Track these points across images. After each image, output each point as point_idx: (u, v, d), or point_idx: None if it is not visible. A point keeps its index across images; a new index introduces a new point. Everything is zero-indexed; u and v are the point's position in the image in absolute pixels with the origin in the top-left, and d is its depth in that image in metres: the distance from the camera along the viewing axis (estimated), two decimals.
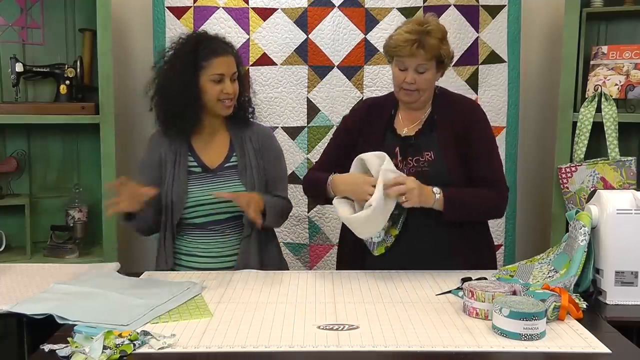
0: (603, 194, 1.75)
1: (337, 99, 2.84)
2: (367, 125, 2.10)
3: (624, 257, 1.70)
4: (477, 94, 2.85)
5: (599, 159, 2.67)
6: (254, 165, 2.10)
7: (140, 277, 1.95)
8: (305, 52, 2.82)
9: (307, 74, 2.84)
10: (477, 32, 2.83)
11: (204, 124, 2.10)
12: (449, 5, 2.78)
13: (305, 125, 2.86)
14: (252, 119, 2.22)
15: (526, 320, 1.39)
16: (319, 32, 2.82)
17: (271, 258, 2.16)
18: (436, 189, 1.91)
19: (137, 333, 1.40)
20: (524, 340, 1.39)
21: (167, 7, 2.80)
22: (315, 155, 2.82)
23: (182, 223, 2.08)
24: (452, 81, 2.79)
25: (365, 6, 2.81)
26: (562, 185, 2.71)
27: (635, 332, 1.57)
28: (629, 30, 2.83)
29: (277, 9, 2.81)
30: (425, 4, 2.80)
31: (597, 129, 2.66)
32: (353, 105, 2.75)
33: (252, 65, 2.82)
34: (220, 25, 2.79)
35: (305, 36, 2.82)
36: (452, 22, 2.78)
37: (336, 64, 2.84)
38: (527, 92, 3.01)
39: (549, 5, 2.99)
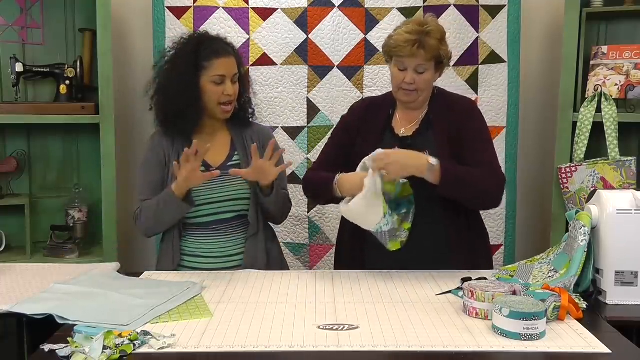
0: (603, 194, 1.75)
1: (337, 99, 2.84)
2: (366, 125, 2.11)
3: (624, 257, 1.70)
4: (477, 94, 2.85)
5: (599, 159, 2.67)
6: None
7: (140, 277, 1.96)
8: (305, 52, 2.82)
9: (307, 74, 2.84)
10: (477, 32, 2.83)
11: (205, 123, 2.10)
12: (449, 5, 2.78)
13: (305, 125, 2.86)
14: (252, 120, 2.22)
15: (526, 320, 1.39)
16: (319, 32, 2.82)
17: (274, 258, 2.16)
18: (433, 159, 1.88)
19: (137, 333, 1.40)
20: (524, 340, 1.39)
21: (167, 7, 2.80)
22: (315, 155, 2.81)
23: (186, 223, 2.08)
24: (452, 81, 2.79)
25: (365, 6, 2.81)
26: (562, 185, 2.71)
27: (635, 332, 1.57)
28: (629, 30, 2.83)
29: (277, 9, 2.82)
30: (425, 4, 2.80)
31: (597, 129, 2.66)
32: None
33: (252, 65, 2.82)
34: (220, 25, 2.79)
35: (305, 36, 2.82)
36: (452, 22, 2.78)
37: (336, 64, 2.84)
38: (527, 92, 3.01)
39: (549, 5, 2.99)
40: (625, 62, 2.69)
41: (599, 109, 2.67)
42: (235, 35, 2.78)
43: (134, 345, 1.36)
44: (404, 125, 2.09)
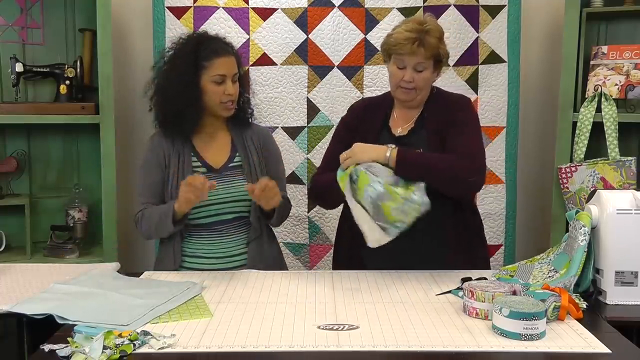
0: (603, 194, 1.75)
1: (337, 99, 2.84)
2: (364, 125, 2.11)
3: (624, 257, 1.70)
4: (477, 94, 2.85)
5: (599, 159, 2.67)
6: (258, 165, 2.10)
7: (140, 277, 1.95)
8: (305, 52, 2.82)
9: (307, 74, 2.84)
10: (477, 32, 2.83)
11: (205, 124, 2.09)
12: (449, 5, 2.78)
13: (305, 125, 2.86)
14: (251, 120, 2.22)
15: (526, 320, 1.39)
16: (319, 32, 2.82)
17: (273, 258, 2.16)
18: (391, 145, 1.92)
19: (137, 333, 1.40)
20: (524, 340, 1.39)
21: (167, 7, 2.80)
22: (315, 155, 2.82)
23: (187, 224, 2.06)
24: (452, 81, 2.79)
25: (365, 6, 2.81)
26: (562, 185, 2.71)
27: (635, 332, 1.57)
28: (629, 30, 2.83)
29: (277, 9, 2.82)
30: (425, 4, 2.80)
31: (597, 129, 2.66)
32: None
33: (252, 65, 2.82)
34: (220, 25, 2.79)
35: (305, 36, 2.82)
36: (452, 22, 2.78)
37: (336, 64, 2.84)
38: (527, 92, 3.01)
39: (549, 5, 2.99)
40: (625, 62, 2.69)
41: (599, 109, 2.67)
42: (235, 35, 2.78)
43: (134, 345, 1.36)
44: (400, 124, 2.09)
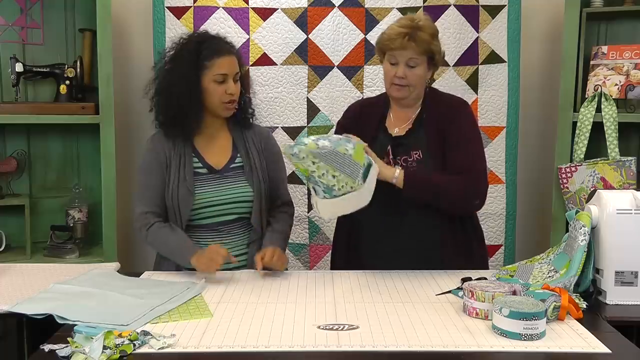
0: (603, 194, 1.75)
1: (337, 99, 2.84)
2: (360, 126, 2.10)
3: (624, 257, 1.70)
4: (477, 94, 2.85)
5: (599, 159, 2.67)
6: (259, 165, 2.10)
7: (140, 277, 1.95)
8: (305, 52, 2.82)
9: (307, 74, 2.84)
10: (477, 32, 2.83)
11: (205, 124, 2.07)
12: (449, 5, 2.78)
13: (305, 125, 2.86)
14: (252, 120, 2.20)
15: (526, 320, 1.39)
16: (319, 32, 2.82)
17: None
18: (399, 169, 1.92)
19: (137, 333, 1.40)
20: (524, 340, 1.39)
21: (167, 7, 2.80)
22: None
23: (189, 225, 2.05)
24: (452, 81, 2.80)
25: (365, 6, 2.81)
26: (562, 185, 2.71)
27: (635, 332, 1.57)
28: (629, 30, 2.83)
29: (277, 9, 2.82)
30: (425, 4, 2.80)
31: (597, 129, 2.66)
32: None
33: (252, 65, 2.82)
34: (220, 25, 2.79)
35: (305, 36, 2.82)
36: (452, 22, 2.78)
37: (336, 64, 2.84)
38: (527, 92, 3.01)
39: (549, 5, 2.99)
40: (625, 62, 2.69)
41: (599, 109, 2.66)
42: (235, 35, 2.78)
43: (134, 345, 1.36)
44: (397, 124, 2.09)
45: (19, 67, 2.66)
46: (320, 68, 2.84)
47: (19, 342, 1.65)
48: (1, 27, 2.78)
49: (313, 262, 2.90)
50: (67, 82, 2.71)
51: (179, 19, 2.80)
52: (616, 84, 2.68)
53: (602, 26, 2.86)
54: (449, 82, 2.78)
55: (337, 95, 2.84)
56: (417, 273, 1.94)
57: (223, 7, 2.80)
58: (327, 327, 1.48)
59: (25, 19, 2.80)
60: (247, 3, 2.81)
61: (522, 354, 1.35)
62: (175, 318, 1.56)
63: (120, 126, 2.83)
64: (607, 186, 2.61)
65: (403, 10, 2.79)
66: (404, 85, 2.00)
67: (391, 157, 2.02)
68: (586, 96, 2.72)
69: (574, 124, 2.69)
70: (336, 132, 2.19)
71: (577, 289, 1.72)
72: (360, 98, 2.80)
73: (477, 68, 2.84)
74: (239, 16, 2.82)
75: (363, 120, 2.12)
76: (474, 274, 1.88)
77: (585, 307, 1.63)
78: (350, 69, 2.84)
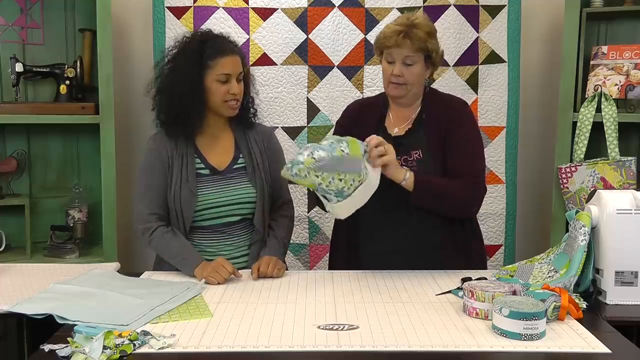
0: (603, 194, 1.75)
1: (337, 99, 2.84)
2: (359, 125, 2.09)
3: (624, 257, 1.70)
4: (477, 94, 2.85)
5: (599, 159, 2.67)
6: (262, 166, 2.09)
7: (140, 277, 1.95)
8: (305, 52, 2.82)
9: (307, 74, 2.84)
10: (477, 32, 2.83)
11: (208, 124, 2.06)
12: (449, 5, 2.78)
13: (305, 125, 2.86)
14: (254, 120, 2.18)
15: (526, 320, 1.39)
16: (319, 32, 2.82)
17: None
18: (409, 172, 1.91)
19: (137, 333, 1.40)
20: (524, 340, 1.39)
21: (167, 7, 2.80)
22: None
23: (191, 226, 2.04)
24: (452, 81, 2.80)
25: (365, 6, 2.81)
26: (562, 185, 2.71)
27: (635, 332, 1.57)
28: (629, 30, 2.83)
29: (277, 9, 2.82)
30: (425, 4, 2.80)
31: (597, 129, 2.66)
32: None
33: (252, 65, 2.81)
34: (220, 25, 2.78)
35: (305, 36, 2.82)
36: (452, 22, 2.78)
37: (336, 64, 2.84)
38: (527, 92, 3.01)
39: (549, 5, 2.99)
40: (625, 62, 2.69)
41: (599, 109, 2.66)
42: (235, 35, 2.77)
43: (134, 345, 1.36)
44: (397, 124, 2.09)
45: (19, 67, 2.66)
46: (320, 68, 2.84)
47: (19, 342, 1.65)
48: (1, 27, 2.78)
49: (313, 262, 2.90)
50: (67, 82, 2.71)
51: (179, 19, 2.80)
52: (616, 84, 2.68)
53: (602, 26, 2.86)
54: (449, 82, 2.78)
55: (337, 95, 2.84)
56: (417, 273, 1.94)
57: (223, 7, 2.80)
58: (327, 327, 1.48)
59: (25, 19, 2.80)
60: (247, 3, 2.81)
61: (522, 354, 1.35)
62: (175, 318, 1.56)
63: (120, 126, 2.83)
64: (607, 186, 2.61)
65: (403, 10, 2.79)
66: (401, 84, 2.00)
67: None
68: (586, 96, 2.72)
69: (574, 124, 2.69)
70: (335, 132, 2.19)
71: (577, 289, 1.72)
72: (360, 98, 2.80)
73: (477, 68, 2.84)
74: (239, 16, 2.82)
75: (362, 120, 2.12)
76: (473, 274, 1.88)
77: (585, 307, 1.63)
78: (350, 69, 2.84)
